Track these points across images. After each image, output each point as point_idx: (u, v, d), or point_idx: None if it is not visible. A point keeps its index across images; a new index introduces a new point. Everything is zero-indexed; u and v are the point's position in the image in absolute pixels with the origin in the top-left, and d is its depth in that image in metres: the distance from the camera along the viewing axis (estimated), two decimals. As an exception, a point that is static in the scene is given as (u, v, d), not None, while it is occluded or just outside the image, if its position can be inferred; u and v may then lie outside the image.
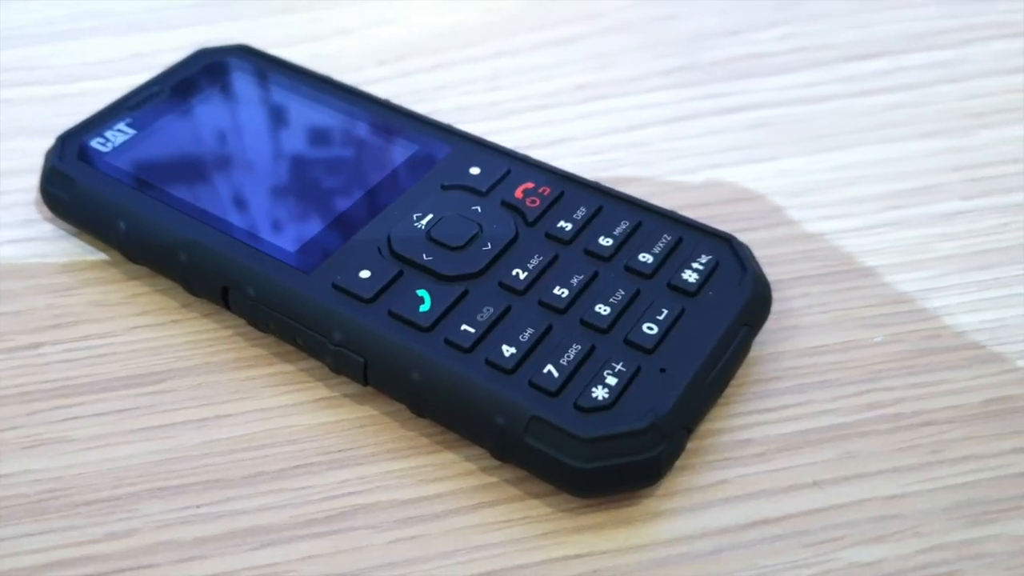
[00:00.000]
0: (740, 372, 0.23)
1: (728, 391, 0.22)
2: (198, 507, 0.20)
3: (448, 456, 0.21)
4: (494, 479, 0.21)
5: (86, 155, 0.25)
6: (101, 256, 0.26)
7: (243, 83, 0.28)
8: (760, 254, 0.25)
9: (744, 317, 0.22)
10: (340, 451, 0.21)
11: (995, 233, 0.26)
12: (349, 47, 0.33)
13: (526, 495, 0.20)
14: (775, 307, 0.24)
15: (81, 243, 0.26)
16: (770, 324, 0.24)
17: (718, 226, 0.25)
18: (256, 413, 0.22)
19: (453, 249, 0.23)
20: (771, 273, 0.25)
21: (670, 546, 0.20)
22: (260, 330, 0.23)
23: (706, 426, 0.22)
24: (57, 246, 0.26)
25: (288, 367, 0.23)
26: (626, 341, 0.21)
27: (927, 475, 0.21)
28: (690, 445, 0.21)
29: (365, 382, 0.21)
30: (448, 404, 0.20)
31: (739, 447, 0.21)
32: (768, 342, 0.23)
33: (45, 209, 0.26)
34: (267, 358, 0.23)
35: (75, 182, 0.25)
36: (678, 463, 0.21)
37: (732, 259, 0.23)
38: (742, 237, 0.25)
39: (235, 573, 0.19)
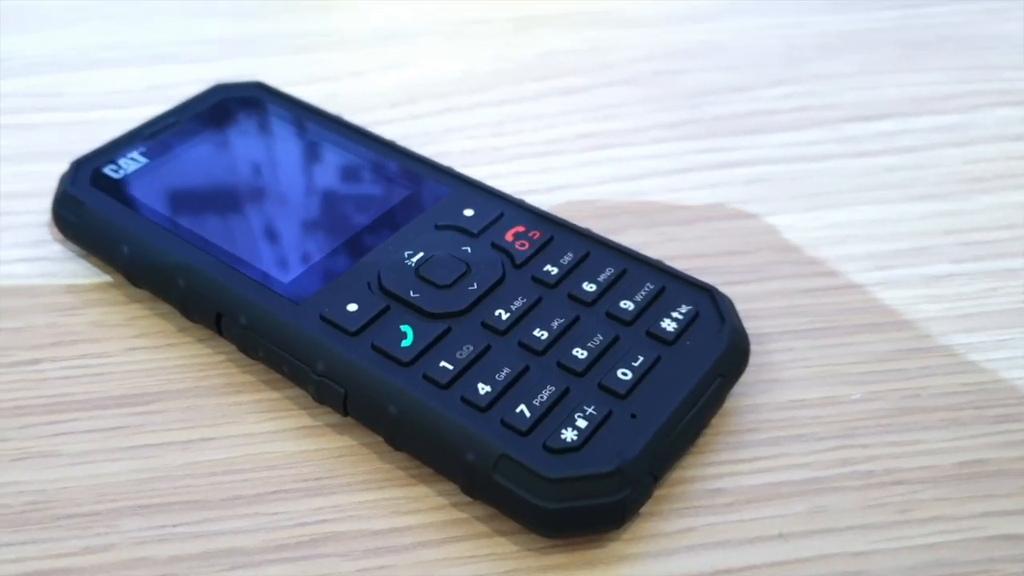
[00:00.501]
0: (716, 422, 0.23)
1: (702, 440, 0.23)
2: (175, 526, 0.21)
3: (421, 490, 0.22)
4: (464, 515, 0.21)
5: (98, 181, 0.26)
6: (106, 278, 0.26)
7: (254, 119, 0.29)
8: (747, 307, 0.25)
9: (719, 368, 0.22)
10: (317, 479, 0.22)
11: (983, 297, 0.26)
12: (362, 88, 0.34)
13: (494, 532, 0.21)
14: (757, 359, 0.24)
15: (88, 265, 0.27)
16: (750, 376, 0.24)
17: (709, 278, 0.26)
18: (240, 438, 0.23)
19: (440, 287, 0.23)
20: (757, 326, 0.25)
21: (634, 590, 0.20)
22: (250, 357, 0.24)
23: (677, 473, 0.22)
24: (65, 267, 0.27)
25: (275, 395, 0.24)
26: (600, 385, 0.21)
27: (895, 534, 0.21)
28: (660, 492, 0.21)
29: (345, 412, 0.22)
30: (422, 438, 0.21)
31: (708, 496, 0.22)
32: (747, 394, 0.24)
33: (56, 231, 0.27)
34: (255, 385, 0.24)
35: (85, 206, 0.26)
36: (646, 508, 0.21)
37: (712, 310, 0.23)
38: (732, 290, 0.26)
39: (203, 593, 0.20)
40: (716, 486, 0.22)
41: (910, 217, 0.29)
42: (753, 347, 0.24)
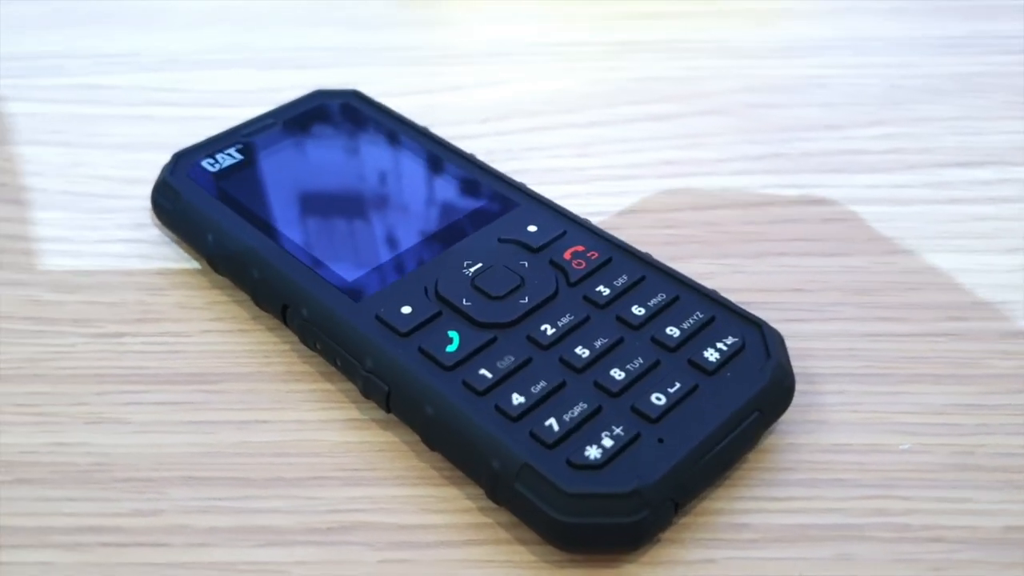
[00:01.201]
0: (753, 457, 0.23)
1: (737, 474, 0.22)
2: (219, 500, 0.22)
3: (451, 491, 0.22)
4: (488, 520, 0.22)
5: (194, 172, 0.28)
6: (193, 264, 0.28)
7: (344, 125, 0.30)
8: (803, 345, 0.25)
9: (757, 403, 0.22)
10: (355, 470, 0.23)
11: (1061, 358, 0.25)
12: (458, 103, 0.35)
13: (515, 540, 0.21)
14: (806, 399, 0.24)
15: (179, 250, 0.29)
16: (795, 415, 0.24)
17: (768, 314, 0.26)
18: (291, 424, 0.24)
19: (492, 298, 0.24)
20: (809, 366, 0.25)
21: (641, 613, 0.20)
22: (309, 348, 0.25)
23: (705, 504, 0.22)
24: (159, 250, 0.29)
25: (329, 386, 0.25)
26: (632, 407, 0.21)
27: (923, 591, 0.20)
28: (685, 520, 0.21)
29: (388, 409, 0.23)
30: (454, 441, 0.21)
31: (734, 530, 0.21)
32: (790, 432, 0.23)
33: (154, 216, 0.29)
34: (312, 375, 0.25)
35: (179, 195, 0.28)
36: (668, 535, 0.21)
37: (759, 344, 0.23)
38: (790, 327, 0.25)
39: (235, 565, 0.21)
40: (743, 521, 0.22)
41: (993, 269, 0.28)
42: (804, 387, 0.24)
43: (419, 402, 0.22)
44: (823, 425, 0.24)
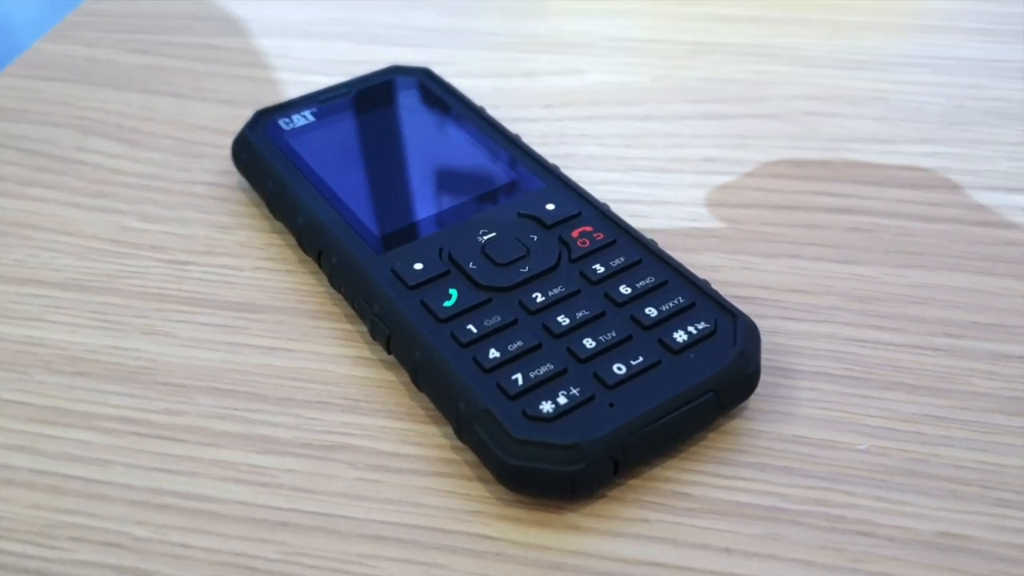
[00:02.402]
0: (713, 437, 0.24)
1: (692, 449, 0.24)
2: (235, 410, 0.26)
3: (431, 428, 0.25)
4: (457, 458, 0.24)
5: (270, 129, 0.32)
6: (260, 209, 0.32)
7: (408, 99, 0.33)
8: (791, 343, 0.26)
9: (712, 384, 0.23)
10: (354, 400, 0.26)
11: (1047, 385, 0.25)
12: (527, 88, 0.37)
13: (475, 478, 0.24)
14: (777, 392, 0.25)
15: (251, 195, 0.32)
16: (763, 405, 0.25)
17: (765, 310, 0.27)
18: (310, 354, 0.27)
19: (496, 264, 0.26)
20: (791, 362, 0.26)
21: (569, 556, 0.22)
22: (336, 291, 0.28)
23: (656, 471, 0.24)
24: (234, 193, 0.33)
25: (349, 327, 0.28)
26: (594, 373, 0.23)
27: (839, 577, 0.21)
28: (634, 483, 0.23)
29: (388, 351, 0.26)
30: (434, 383, 0.24)
31: (675, 498, 0.23)
32: (753, 419, 0.25)
33: (233, 163, 0.33)
34: (337, 315, 0.28)
35: (253, 146, 0.31)
36: (613, 493, 0.23)
37: (729, 332, 0.24)
38: (784, 325, 0.27)
39: (236, 465, 0.24)
40: (685, 491, 0.23)
41: (1007, 293, 0.28)
42: (779, 380, 0.26)
43: (411, 346, 0.25)
44: (788, 417, 0.25)
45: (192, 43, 0.41)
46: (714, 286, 0.28)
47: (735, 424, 0.25)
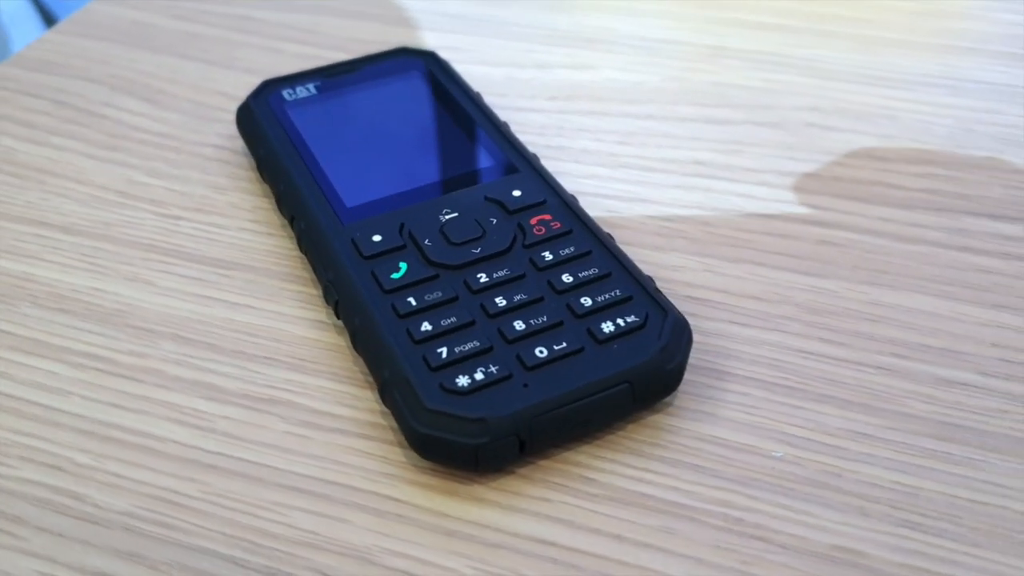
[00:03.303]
0: (632, 429, 0.25)
1: (609, 438, 0.25)
2: (190, 357, 0.27)
3: (366, 393, 0.26)
4: (384, 423, 0.25)
5: (272, 98, 0.33)
6: (256, 173, 0.33)
7: (407, 80, 0.34)
8: (732, 347, 0.27)
9: (629, 376, 0.24)
10: (300, 359, 0.27)
11: (984, 415, 0.25)
12: (537, 79, 0.38)
13: (395, 443, 0.25)
14: (706, 392, 0.26)
15: (251, 159, 0.34)
16: (689, 403, 0.25)
17: (714, 312, 0.28)
18: (271, 313, 0.28)
19: (450, 243, 0.27)
20: (728, 365, 0.26)
21: (465, 525, 0.23)
22: (303, 254, 0.29)
23: (568, 455, 0.24)
24: (237, 157, 0.34)
25: (313, 291, 0.29)
26: (517, 355, 0.24)
27: (723, 576, 0.22)
28: (544, 463, 0.24)
29: (337, 316, 0.27)
30: (367, 349, 0.25)
31: (581, 482, 0.24)
32: (676, 416, 0.25)
33: (237, 128, 0.34)
34: (305, 280, 0.29)
35: (253, 114, 0.33)
36: (522, 471, 0.24)
37: (658, 328, 0.25)
38: (730, 329, 0.27)
39: (180, 408, 0.26)
40: (593, 477, 0.24)
41: (965, 319, 0.27)
42: (711, 382, 0.26)
43: (353, 312, 0.26)
44: (711, 417, 0.25)
45: (230, 13, 0.42)
46: (670, 286, 0.29)
47: (657, 418, 0.25)
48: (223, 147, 0.35)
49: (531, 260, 0.27)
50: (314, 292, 0.29)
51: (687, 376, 0.26)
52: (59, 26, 0.42)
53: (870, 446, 0.24)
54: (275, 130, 0.32)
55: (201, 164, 0.34)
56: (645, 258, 0.30)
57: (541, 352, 0.24)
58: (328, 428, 0.25)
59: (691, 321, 0.27)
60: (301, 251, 0.29)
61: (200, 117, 0.36)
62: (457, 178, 0.30)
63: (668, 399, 0.25)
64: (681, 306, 0.28)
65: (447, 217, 0.28)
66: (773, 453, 0.24)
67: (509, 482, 0.24)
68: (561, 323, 0.25)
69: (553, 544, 0.22)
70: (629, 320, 0.25)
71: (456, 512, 0.23)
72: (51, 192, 0.33)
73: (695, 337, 0.27)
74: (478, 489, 0.24)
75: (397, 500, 0.23)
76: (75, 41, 0.41)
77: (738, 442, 0.24)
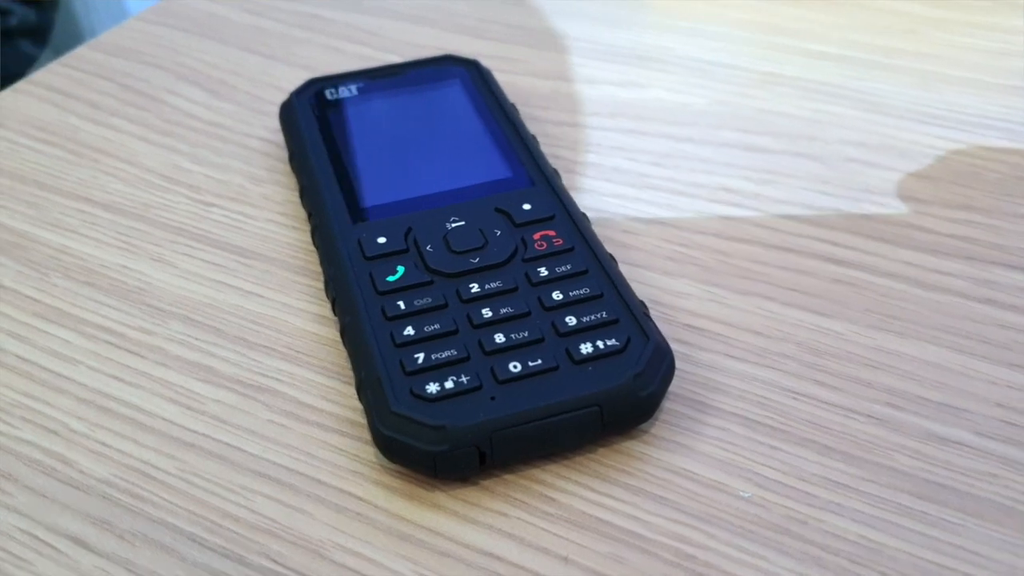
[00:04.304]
0: (603, 453, 0.25)
1: (579, 460, 0.24)
2: (194, 338, 0.28)
3: (351, 390, 0.26)
4: (361, 420, 0.26)
5: (314, 96, 0.34)
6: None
7: (446, 88, 0.35)
8: (722, 381, 0.26)
9: (599, 400, 0.24)
10: (296, 351, 0.28)
11: (973, 478, 0.24)
12: (583, 94, 0.38)
13: (368, 442, 0.25)
14: (684, 424, 0.25)
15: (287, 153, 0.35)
16: (665, 432, 0.25)
17: (714, 346, 0.27)
18: (278, 304, 0.29)
19: (451, 251, 0.28)
20: (713, 399, 0.26)
21: (419, 530, 0.23)
22: (316, 248, 0.30)
23: (534, 472, 0.24)
24: (277, 151, 0.35)
25: (322, 286, 0.30)
26: (491, 367, 0.24)
27: (664, 612, 0.21)
28: (509, 478, 0.24)
29: (334, 312, 0.28)
30: (351, 347, 0.26)
31: (541, 500, 0.24)
32: (651, 445, 0.25)
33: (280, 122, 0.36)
34: (316, 275, 0.30)
35: (294, 109, 0.34)
36: (486, 483, 0.24)
37: (638, 354, 0.24)
38: (724, 363, 0.27)
39: (173, 387, 0.27)
40: (554, 496, 0.24)
41: (974, 375, 0.26)
42: (694, 415, 0.25)
43: (345, 310, 0.26)
44: (684, 450, 0.25)
45: (298, 10, 0.44)
46: (671, 312, 0.28)
47: (630, 445, 0.25)
48: (268, 140, 0.36)
49: (526, 274, 0.27)
50: (322, 287, 0.30)
51: (669, 405, 0.26)
52: (141, 14, 0.44)
53: (843, 496, 0.23)
54: (310, 127, 0.33)
55: (244, 155, 0.36)
56: (651, 282, 0.29)
57: (515, 367, 0.24)
58: (308, 420, 0.26)
59: (685, 351, 0.27)
60: (314, 245, 0.30)
61: (252, 109, 0.38)
62: (473, 187, 0.30)
63: (645, 427, 0.25)
64: (678, 334, 0.28)
65: (453, 225, 0.28)
66: (741, 493, 0.24)
67: (470, 493, 0.24)
68: (542, 339, 0.25)
69: (500, 559, 0.23)
70: (609, 343, 0.25)
71: (413, 516, 0.23)
72: (102, 171, 0.35)
73: (684, 367, 0.27)
74: (439, 496, 0.24)
75: (359, 498, 0.24)
76: (152, 29, 0.43)
77: (708, 478, 0.24)
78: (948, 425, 0.25)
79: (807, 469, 0.24)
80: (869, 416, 0.25)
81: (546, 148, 0.35)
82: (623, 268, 0.30)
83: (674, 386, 0.26)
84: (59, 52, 0.67)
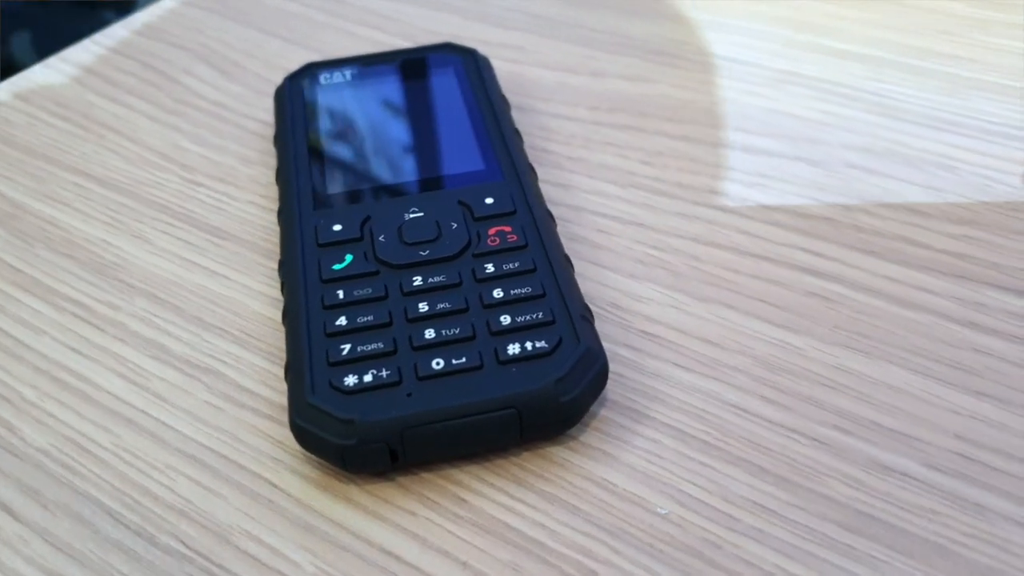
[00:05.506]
0: (526, 457, 0.24)
1: (498, 463, 0.24)
2: (153, 315, 0.29)
3: (289, 376, 0.27)
4: (293, 408, 0.26)
5: (309, 81, 0.34)
6: (282, 151, 0.35)
7: (439, 76, 0.34)
8: (665, 391, 0.25)
9: (515, 401, 0.23)
10: (247, 335, 0.28)
11: (910, 512, 0.22)
12: (588, 87, 0.37)
13: (296, 430, 0.25)
14: (615, 432, 0.24)
15: (283, 138, 0.35)
16: (593, 440, 0.24)
17: (663, 354, 0.26)
18: (240, 286, 0.30)
19: (403, 242, 0.27)
20: (651, 409, 0.25)
21: (325, 522, 0.23)
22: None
23: (451, 473, 0.24)
24: (270, 131, 0.36)
25: (286, 271, 0.30)
26: (414, 363, 0.24)
27: (553, 627, 0.21)
28: (427, 476, 0.24)
29: (282, 295, 0.28)
30: (286, 331, 0.26)
31: (452, 501, 0.23)
32: (575, 452, 0.24)
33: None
34: (283, 259, 0.30)
35: (286, 93, 0.34)
36: (402, 480, 0.24)
37: (568, 360, 0.24)
38: (671, 372, 0.26)
39: (126, 362, 0.27)
40: (465, 498, 0.23)
41: (937, 402, 0.24)
42: (627, 424, 0.25)
43: (288, 298, 0.26)
44: (610, 459, 0.24)
45: (322, -6, 0.44)
46: (627, 317, 0.27)
47: (553, 451, 0.24)
48: (265, 122, 0.36)
49: (473, 270, 0.26)
50: (286, 272, 0.30)
51: (603, 412, 0.25)
52: (173, -6, 0.45)
53: (766, 522, 0.22)
54: (295, 111, 0.33)
55: (239, 136, 0.36)
56: (615, 285, 0.28)
57: (437, 364, 0.24)
58: (244, 405, 0.26)
59: (633, 357, 0.26)
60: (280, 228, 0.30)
61: (258, 91, 0.38)
62: (439, 179, 0.30)
63: (574, 432, 0.24)
64: (630, 340, 0.27)
65: (411, 216, 0.28)
66: (658, 509, 0.23)
67: (385, 489, 0.24)
68: (472, 337, 0.24)
69: (398, 559, 0.22)
70: (538, 345, 0.24)
71: (323, 508, 0.23)
72: (106, 147, 0.36)
73: (628, 373, 0.26)
74: (353, 490, 0.24)
75: (274, 486, 0.24)
76: (183, 10, 0.44)
77: (627, 490, 0.23)
78: (896, 454, 0.23)
79: (734, 490, 0.23)
80: (813, 439, 0.24)
81: (538, 141, 0.34)
82: (589, 269, 0.29)
83: (613, 393, 0.25)
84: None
